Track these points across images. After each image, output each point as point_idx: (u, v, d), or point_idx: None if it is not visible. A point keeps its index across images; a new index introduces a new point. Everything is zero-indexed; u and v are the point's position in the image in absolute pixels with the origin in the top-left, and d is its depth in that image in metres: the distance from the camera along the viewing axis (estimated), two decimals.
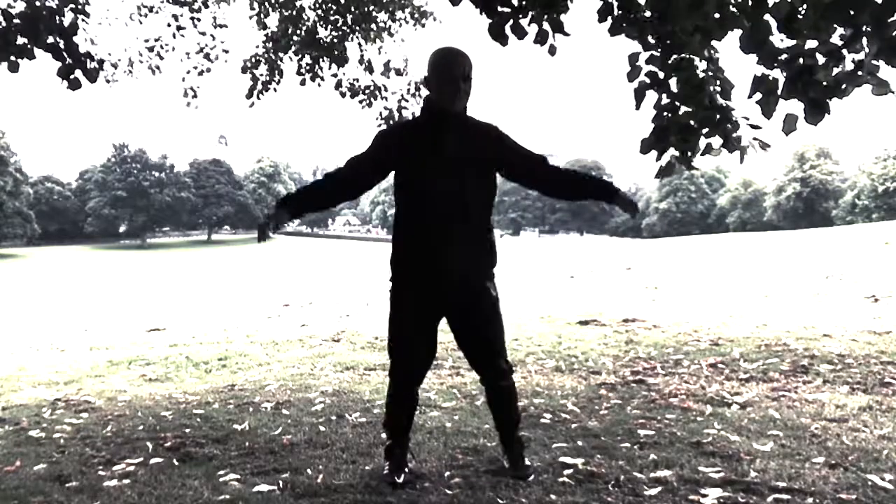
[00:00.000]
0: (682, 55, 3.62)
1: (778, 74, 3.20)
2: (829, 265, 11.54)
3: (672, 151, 3.90)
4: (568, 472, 2.89)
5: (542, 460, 3.06)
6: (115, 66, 7.04)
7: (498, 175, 2.91)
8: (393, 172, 2.88)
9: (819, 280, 9.85)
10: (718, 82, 3.72)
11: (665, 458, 3.01)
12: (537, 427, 3.58)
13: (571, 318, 7.17)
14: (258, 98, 7.29)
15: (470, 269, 2.82)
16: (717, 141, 3.77)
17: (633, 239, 58.43)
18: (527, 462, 2.94)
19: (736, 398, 4.04)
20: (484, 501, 2.64)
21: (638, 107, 3.77)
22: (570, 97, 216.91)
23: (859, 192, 65.70)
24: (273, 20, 7.35)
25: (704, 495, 2.61)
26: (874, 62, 2.89)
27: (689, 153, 3.84)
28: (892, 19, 2.73)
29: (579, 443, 3.30)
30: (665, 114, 3.82)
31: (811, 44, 3.08)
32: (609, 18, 3.66)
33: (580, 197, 3.06)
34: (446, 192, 2.74)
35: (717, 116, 3.67)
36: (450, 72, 2.75)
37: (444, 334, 2.99)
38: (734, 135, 3.66)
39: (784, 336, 5.86)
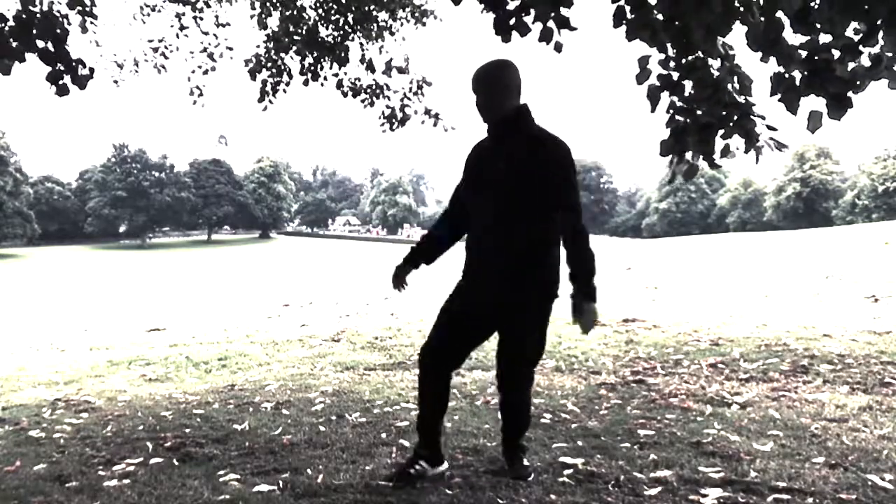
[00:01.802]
0: (696, 55, 3.59)
1: (795, 72, 3.19)
2: (829, 265, 11.53)
3: (690, 154, 3.88)
4: (568, 472, 2.89)
5: (542, 460, 3.06)
6: (120, 66, 7.05)
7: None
8: None
9: (819, 280, 9.84)
10: (736, 79, 3.69)
11: (665, 458, 3.02)
12: (537, 427, 3.58)
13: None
14: (270, 102, 7.29)
15: (508, 286, 2.76)
16: (736, 140, 3.73)
17: (633, 239, 58.45)
18: (526, 462, 2.94)
19: (736, 398, 4.04)
20: (484, 501, 2.64)
21: (653, 110, 3.74)
22: (570, 97, 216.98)
23: (859, 192, 65.69)
24: (274, 20, 7.35)
25: (704, 495, 2.61)
26: (889, 55, 2.88)
27: (710, 153, 3.81)
28: None
29: (579, 443, 3.30)
30: (678, 117, 3.79)
31: (825, 39, 3.07)
32: (624, 23, 3.63)
33: (568, 262, 2.84)
34: (486, 205, 2.79)
35: (736, 115, 3.64)
36: (473, 90, 2.83)
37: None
38: (754, 131, 3.63)
39: (784, 336, 5.86)
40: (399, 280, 3.06)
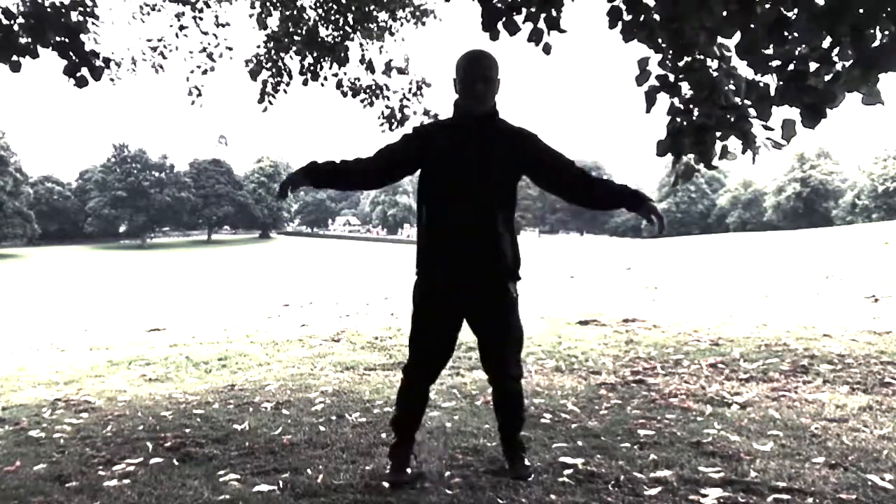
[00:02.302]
0: (694, 56, 3.59)
1: (771, 79, 3.20)
2: (829, 265, 11.54)
3: (689, 154, 3.87)
4: (568, 472, 2.89)
5: (542, 460, 3.06)
6: (118, 64, 7.05)
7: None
8: (419, 171, 2.89)
9: (819, 280, 9.84)
10: (732, 81, 3.68)
11: (665, 458, 3.01)
12: (537, 427, 3.58)
13: (571, 318, 7.16)
14: (270, 103, 7.31)
15: (489, 270, 2.79)
16: (733, 141, 3.73)
17: (633, 239, 58.45)
18: (526, 462, 2.94)
19: (736, 398, 4.04)
20: (484, 501, 2.64)
21: (648, 110, 3.74)
22: (570, 95, 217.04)
23: (859, 192, 65.71)
24: (274, 20, 7.35)
25: (704, 495, 2.61)
26: (852, 71, 2.89)
27: (707, 154, 3.80)
28: (870, 31, 2.73)
29: (579, 443, 3.30)
30: (676, 118, 3.79)
31: (803, 49, 3.08)
32: (619, 23, 3.63)
33: (609, 206, 2.92)
34: (467, 194, 2.75)
35: (732, 117, 3.63)
36: (471, 74, 2.77)
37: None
38: (751, 132, 3.62)
39: (784, 336, 5.86)
40: (289, 189, 2.82)
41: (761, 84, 3.21)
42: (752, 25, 3.04)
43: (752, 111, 3.61)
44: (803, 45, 3.01)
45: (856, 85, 2.87)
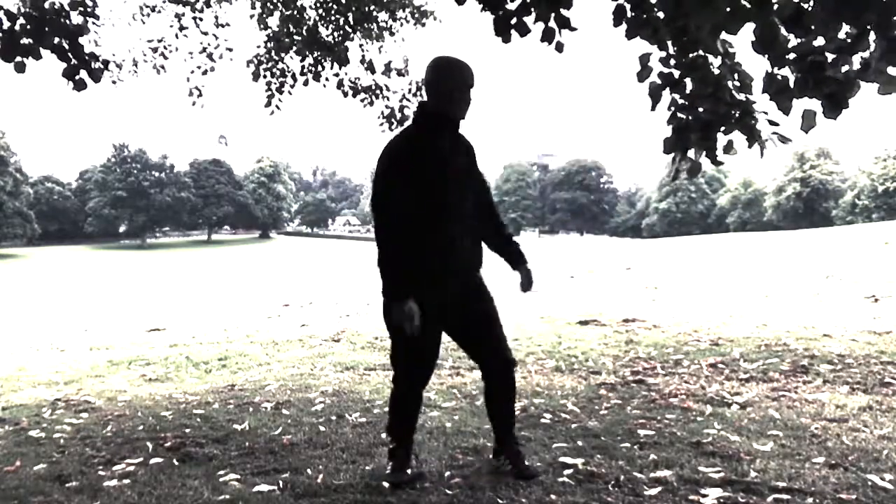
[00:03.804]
0: (697, 53, 3.59)
1: (788, 72, 3.19)
2: (829, 265, 11.54)
3: (693, 151, 3.87)
4: (568, 472, 2.89)
5: (542, 460, 3.06)
6: (119, 66, 7.05)
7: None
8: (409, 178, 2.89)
9: (819, 280, 9.84)
10: (737, 76, 3.68)
11: (665, 458, 3.02)
12: (537, 427, 3.58)
13: (571, 318, 7.17)
14: (277, 107, 7.33)
15: (476, 266, 2.93)
16: (737, 136, 3.74)
17: (633, 239, 58.45)
18: (526, 463, 2.94)
19: (736, 398, 4.04)
20: (484, 501, 2.64)
21: (654, 108, 3.74)
22: (570, 97, 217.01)
23: (859, 192, 65.65)
24: (274, 20, 7.36)
25: (704, 495, 2.61)
26: (877, 59, 2.88)
27: (713, 150, 3.81)
28: None
29: (579, 443, 3.30)
30: (680, 115, 3.79)
31: (819, 41, 3.07)
32: (624, 22, 3.63)
33: (497, 248, 3.07)
34: (459, 199, 2.81)
35: (737, 112, 3.64)
36: (463, 80, 2.81)
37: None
38: (756, 128, 3.62)
39: (784, 336, 5.86)
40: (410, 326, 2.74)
41: (780, 77, 3.20)
42: (770, 18, 3.03)
43: (756, 106, 3.61)
44: (820, 37, 3.01)
45: (883, 77, 2.86)
